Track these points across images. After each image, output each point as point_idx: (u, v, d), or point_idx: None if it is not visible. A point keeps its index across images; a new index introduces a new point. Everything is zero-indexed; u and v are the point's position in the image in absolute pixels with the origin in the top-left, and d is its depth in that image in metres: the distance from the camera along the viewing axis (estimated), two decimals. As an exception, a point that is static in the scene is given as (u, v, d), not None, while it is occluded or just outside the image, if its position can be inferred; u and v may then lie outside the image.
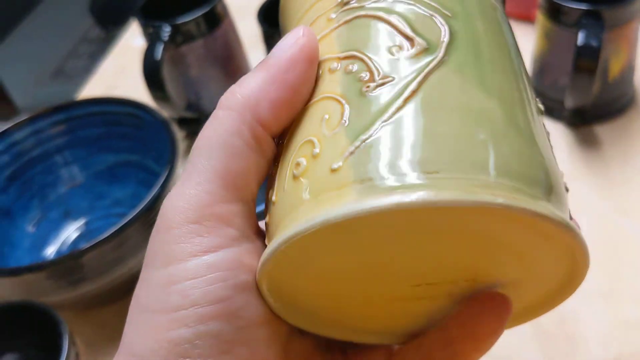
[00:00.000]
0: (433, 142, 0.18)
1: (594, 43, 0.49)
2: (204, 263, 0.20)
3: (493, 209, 0.17)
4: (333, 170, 0.18)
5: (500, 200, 0.16)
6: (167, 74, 0.62)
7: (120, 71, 0.79)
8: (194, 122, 0.65)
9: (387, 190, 0.17)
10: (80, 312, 0.52)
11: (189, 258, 0.20)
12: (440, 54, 0.20)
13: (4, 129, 0.54)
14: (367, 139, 0.18)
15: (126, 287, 0.50)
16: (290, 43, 0.21)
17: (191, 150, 0.22)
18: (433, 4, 0.21)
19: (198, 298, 0.19)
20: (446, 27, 0.20)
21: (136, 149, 0.56)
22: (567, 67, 0.52)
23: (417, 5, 0.21)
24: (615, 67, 0.54)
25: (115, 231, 0.43)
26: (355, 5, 0.22)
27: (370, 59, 0.20)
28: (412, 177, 0.17)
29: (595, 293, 0.45)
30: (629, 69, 0.56)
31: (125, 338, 0.21)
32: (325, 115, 0.20)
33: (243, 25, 0.70)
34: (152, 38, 0.59)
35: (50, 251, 0.55)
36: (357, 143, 0.18)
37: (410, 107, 0.18)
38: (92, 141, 0.57)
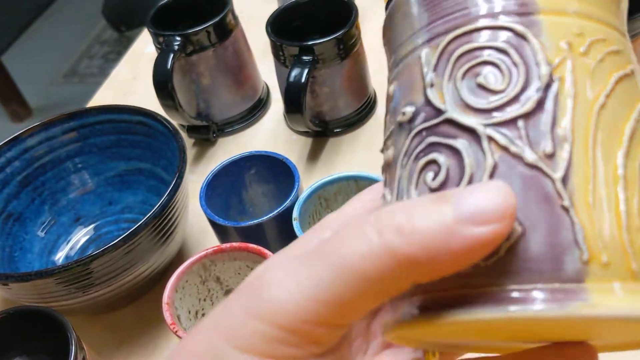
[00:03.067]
0: None
1: (599, 58, 0.49)
2: None
3: None
4: None
5: None
6: (178, 83, 0.63)
7: (132, 78, 0.80)
8: (203, 130, 0.66)
9: None
10: (90, 316, 0.53)
11: None
12: None
13: (16, 135, 0.55)
14: None
15: (135, 293, 0.51)
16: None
17: None
18: None
19: None
20: None
21: (146, 157, 0.57)
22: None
23: None
24: (621, 82, 0.55)
25: (124, 237, 0.44)
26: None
27: None
28: None
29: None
30: (635, 83, 0.56)
31: None
32: None
33: (254, 35, 0.71)
34: (163, 48, 0.60)
35: (60, 256, 0.56)
36: None
37: None
38: (103, 148, 0.58)
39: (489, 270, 0.19)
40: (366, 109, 0.66)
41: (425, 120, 0.22)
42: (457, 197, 0.18)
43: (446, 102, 0.21)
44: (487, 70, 0.21)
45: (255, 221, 0.46)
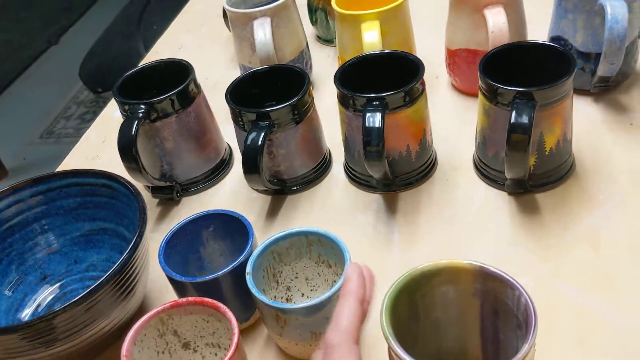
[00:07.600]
0: None
1: (525, 121, 0.54)
2: None
3: None
4: None
5: None
6: (142, 146, 0.67)
7: (101, 141, 0.84)
8: (167, 190, 0.69)
9: None
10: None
11: None
12: None
13: (-14, 199, 0.58)
14: None
15: (97, 348, 0.53)
16: None
17: None
18: None
19: None
20: None
21: (110, 217, 0.60)
22: (505, 142, 0.56)
23: None
24: (550, 141, 0.60)
25: (86, 294, 0.47)
26: None
27: None
28: None
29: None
30: (564, 142, 0.61)
31: None
32: None
33: (219, 99, 0.75)
34: (128, 115, 0.64)
35: (26, 313, 0.59)
36: None
37: None
38: (69, 210, 0.61)
39: None
40: (322, 167, 0.70)
41: None
42: None
43: None
44: None
45: (211, 276, 0.50)
